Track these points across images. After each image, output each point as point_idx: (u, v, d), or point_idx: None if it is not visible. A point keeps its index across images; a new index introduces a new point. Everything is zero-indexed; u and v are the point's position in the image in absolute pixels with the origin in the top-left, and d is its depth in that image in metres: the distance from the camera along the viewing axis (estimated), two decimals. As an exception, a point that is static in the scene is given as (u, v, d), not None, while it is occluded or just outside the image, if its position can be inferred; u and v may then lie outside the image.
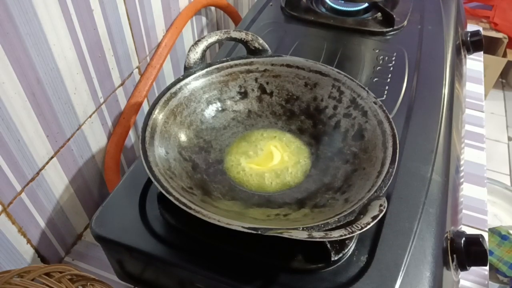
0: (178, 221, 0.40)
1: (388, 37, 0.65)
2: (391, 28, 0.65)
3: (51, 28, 0.43)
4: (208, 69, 0.48)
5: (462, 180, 0.55)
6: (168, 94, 0.45)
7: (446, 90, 0.56)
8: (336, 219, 0.34)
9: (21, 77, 0.41)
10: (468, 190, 0.60)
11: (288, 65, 0.50)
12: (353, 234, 0.32)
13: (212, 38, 0.49)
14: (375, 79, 0.57)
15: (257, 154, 0.47)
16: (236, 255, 0.38)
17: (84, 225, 0.57)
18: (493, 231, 1.17)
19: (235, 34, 0.50)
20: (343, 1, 0.70)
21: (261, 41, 0.50)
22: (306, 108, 0.49)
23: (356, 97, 0.46)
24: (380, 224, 0.40)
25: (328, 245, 0.38)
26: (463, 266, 0.40)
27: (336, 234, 0.31)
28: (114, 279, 0.46)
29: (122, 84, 0.58)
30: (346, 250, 0.38)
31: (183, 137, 0.45)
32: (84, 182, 0.55)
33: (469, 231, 0.54)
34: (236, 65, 0.50)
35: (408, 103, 0.53)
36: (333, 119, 0.47)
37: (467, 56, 0.73)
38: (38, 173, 0.46)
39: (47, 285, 0.33)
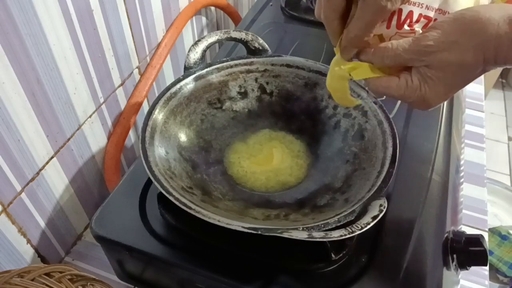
0: (178, 221, 0.40)
1: (388, 37, 0.65)
2: (391, 28, 0.65)
3: (51, 28, 0.43)
4: (208, 69, 0.48)
5: (462, 180, 0.55)
6: (168, 94, 0.45)
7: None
8: (336, 219, 0.34)
9: (21, 77, 0.41)
10: (468, 190, 0.60)
11: (288, 65, 0.50)
12: (353, 234, 0.32)
13: (212, 38, 0.49)
14: (375, 79, 0.57)
15: (257, 154, 0.47)
16: (236, 255, 0.38)
17: (84, 225, 0.57)
18: (493, 231, 1.17)
19: (235, 34, 0.50)
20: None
21: (261, 41, 0.50)
22: (306, 108, 0.49)
23: (356, 97, 0.46)
24: (380, 224, 0.40)
25: (328, 245, 0.38)
26: (463, 266, 0.40)
27: (336, 234, 0.31)
28: (114, 279, 0.46)
29: (122, 84, 0.58)
30: (346, 250, 0.38)
31: (183, 137, 0.45)
32: (84, 182, 0.55)
33: (469, 231, 0.54)
34: (236, 65, 0.50)
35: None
36: (333, 119, 0.47)
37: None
38: (38, 173, 0.46)
39: (47, 285, 0.33)
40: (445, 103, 0.55)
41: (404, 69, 0.34)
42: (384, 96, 0.37)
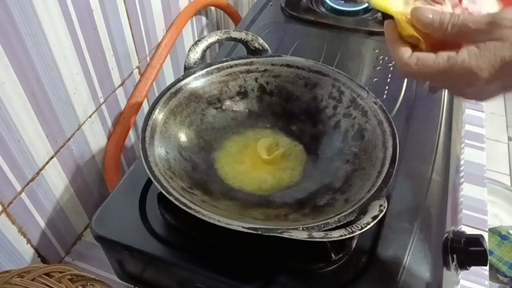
0: (178, 221, 0.40)
1: (388, 37, 0.64)
2: (391, 28, 0.65)
3: (51, 28, 0.43)
4: (208, 69, 0.48)
5: (462, 180, 0.55)
6: (168, 94, 0.45)
7: (446, 90, 0.56)
8: (336, 219, 0.34)
9: (21, 77, 0.41)
10: (468, 190, 0.60)
11: (288, 65, 0.50)
12: (353, 234, 0.32)
13: (212, 38, 0.49)
14: (375, 79, 0.57)
15: (257, 154, 0.47)
16: (236, 255, 0.38)
17: (84, 225, 0.57)
18: (493, 231, 1.17)
19: (235, 34, 0.50)
20: (343, 1, 0.70)
21: (261, 41, 0.50)
22: (306, 108, 0.49)
23: (356, 97, 0.46)
24: (380, 224, 0.40)
25: (328, 245, 0.38)
26: (463, 266, 0.40)
27: (336, 234, 0.31)
28: (114, 279, 0.46)
29: (122, 84, 0.58)
30: (346, 250, 0.38)
31: (183, 137, 0.45)
32: (84, 182, 0.55)
33: (469, 231, 0.54)
34: (236, 65, 0.50)
35: (408, 103, 0.53)
36: (333, 119, 0.47)
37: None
38: (38, 173, 0.46)
39: (47, 285, 0.33)
40: (445, 103, 0.55)
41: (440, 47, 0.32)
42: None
